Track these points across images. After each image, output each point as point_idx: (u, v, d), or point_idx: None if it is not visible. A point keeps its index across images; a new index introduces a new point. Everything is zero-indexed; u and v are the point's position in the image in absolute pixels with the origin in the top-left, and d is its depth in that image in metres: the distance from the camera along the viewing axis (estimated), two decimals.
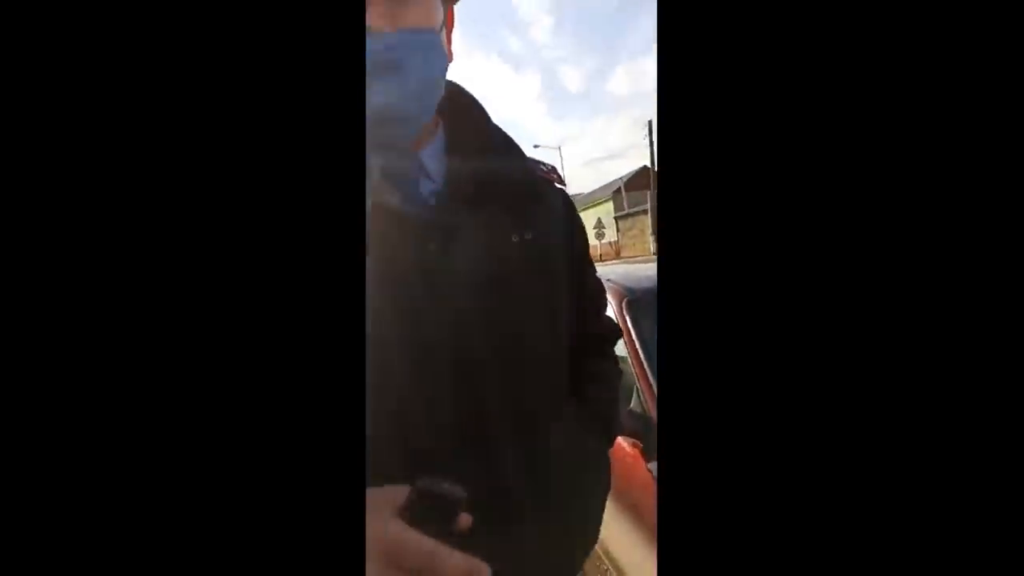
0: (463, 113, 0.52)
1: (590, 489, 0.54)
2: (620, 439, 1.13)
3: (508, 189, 0.50)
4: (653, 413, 1.15)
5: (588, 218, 22.59)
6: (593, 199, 26.56)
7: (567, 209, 0.57)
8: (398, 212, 0.45)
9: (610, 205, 23.38)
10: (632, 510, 1.12)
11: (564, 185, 0.59)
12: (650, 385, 1.19)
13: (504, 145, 0.52)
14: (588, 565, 1.72)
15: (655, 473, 1.07)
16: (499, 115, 0.57)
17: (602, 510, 0.56)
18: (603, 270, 1.70)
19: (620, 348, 1.26)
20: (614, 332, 0.64)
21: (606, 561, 1.45)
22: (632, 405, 1.22)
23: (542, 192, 0.54)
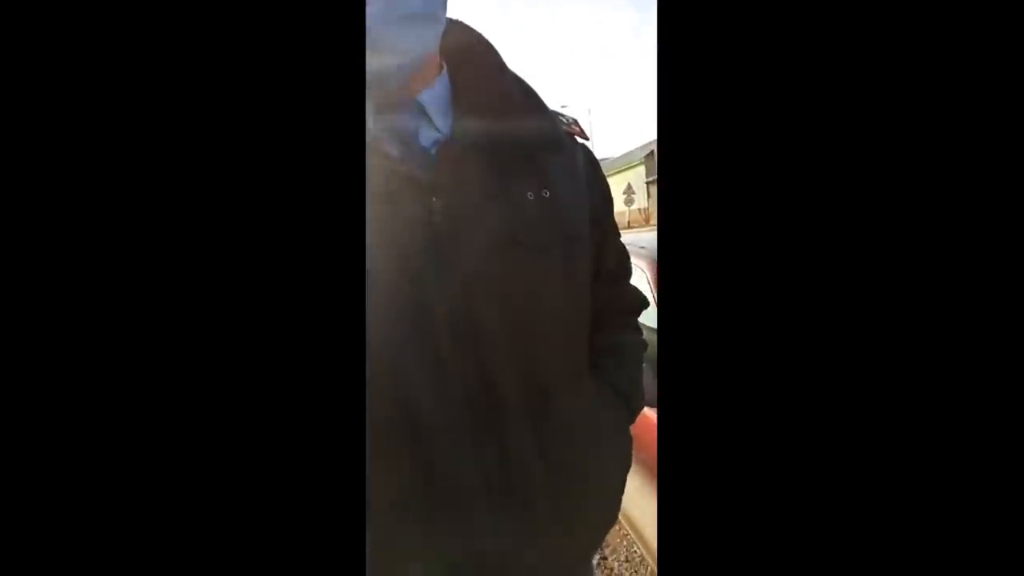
0: (471, 55, 0.46)
1: (607, 465, 0.51)
2: (648, 410, 1.10)
3: (523, 141, 0.44)
4: None
5: (618, 183, 21.97)
6: (625, 162, 25.79)
7: (590, 166, 0.51)
8: (396, 163, 0.40)
9: (642, 169, 22.68)
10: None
11: (587, 139, 0.53)
12: None
13: (519, 92, 0.46)
14: (610, 535, 1.74)
15: None
16: (524, 70, 0.51)
17: (622, 487, 0.53)
18: (634, 237, 1.63)
19: (653, 319, 1.22)
20: (639, 302, 0.60)
21: (629, 530, 1.45)
22: None
23: (562, 146, 0.48)
